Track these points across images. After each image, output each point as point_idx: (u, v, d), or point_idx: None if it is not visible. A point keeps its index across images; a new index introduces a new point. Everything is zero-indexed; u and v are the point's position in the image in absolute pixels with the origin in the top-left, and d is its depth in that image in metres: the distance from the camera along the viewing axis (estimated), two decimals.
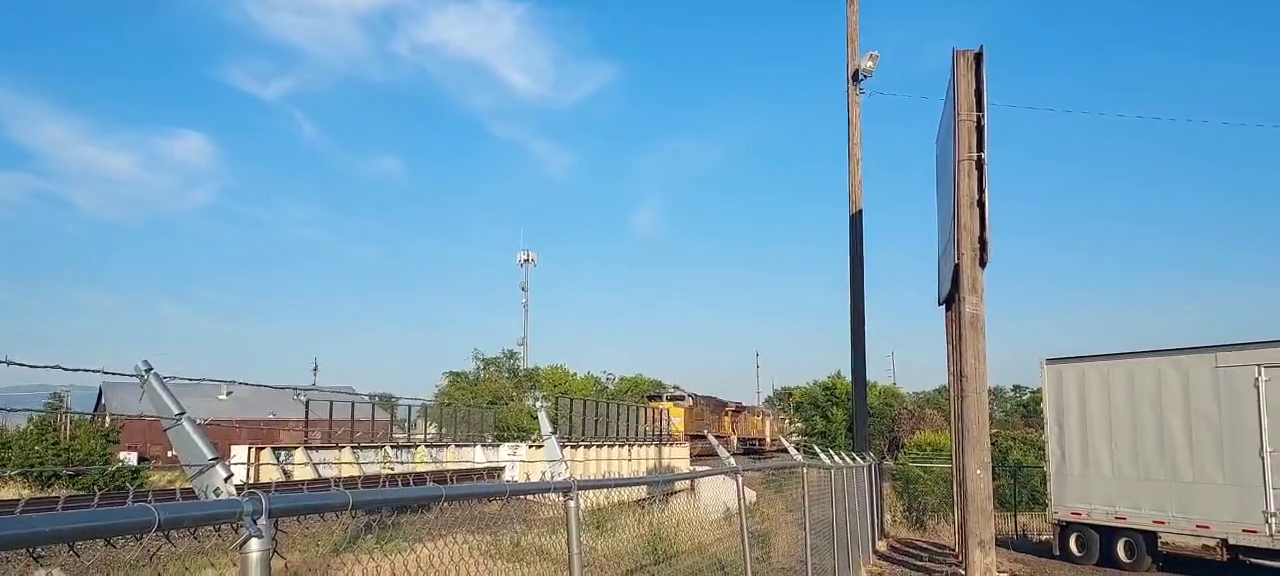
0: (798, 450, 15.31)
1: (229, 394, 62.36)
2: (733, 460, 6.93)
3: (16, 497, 21.72)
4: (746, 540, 6.35)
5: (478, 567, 7.83)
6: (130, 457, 44.95)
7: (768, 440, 61.36)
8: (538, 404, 17.06)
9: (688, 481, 24.02)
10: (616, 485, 5.08)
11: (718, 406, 54.77)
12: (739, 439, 51.68)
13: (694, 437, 46.20)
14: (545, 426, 11.98)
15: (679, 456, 38.10)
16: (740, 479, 6.66)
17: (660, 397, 49.91)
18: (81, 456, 30.93)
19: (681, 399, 49.42)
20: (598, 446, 32.40)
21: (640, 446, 36.71)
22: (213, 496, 2.59)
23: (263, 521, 2.28)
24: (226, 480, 2.60)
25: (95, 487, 26.25)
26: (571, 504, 3.85)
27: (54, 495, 21.90)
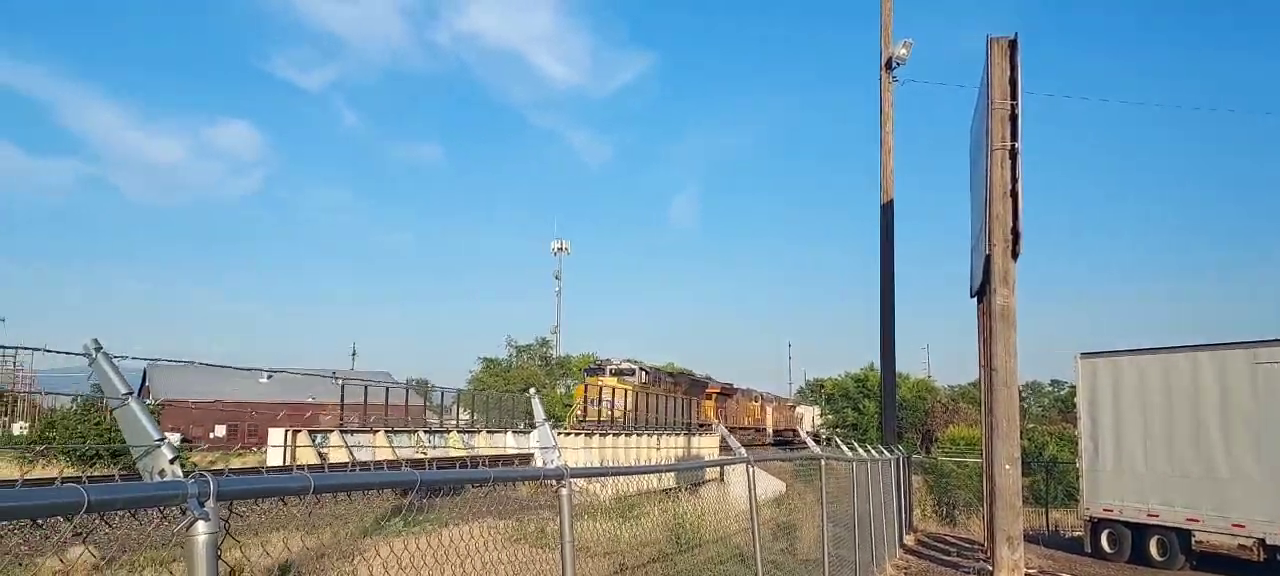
0: (819, 441, 15.28)
1: (270, 378, 63.14)
2: (743, 450, 6.95)
3: (56, 476, 22.21)
4: (757, 532, 6.38)
5: (498, 551, 7.95)
6: (173, 438, 45.75)
7: (769, 429, 53.97)
8: (532, 392, 17.16)
9: (717, 471, 24.09)
10: (611, 473, 5.13)
11: (695, 387, 46.24)
12: (730, 427, 43.92)
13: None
14: (538, 414, 12.07)
15: (709, 446, 37.96)
16: (752, 470, 6.68)
17: (601, 371, 39.77)
18: (122, 437, 31.54)
19: (629, 374, 39.09)
20: (626, 435, 32.49)
21: (671, 435, 36.76)
22: (158, 477, 2.51)
23: (211, 504, 2.13)
24: (172, 461, 2.57)
25: (130, 466, 26.79)
26: (563, 491, 3.90)
27: (98, 474, 22.40)
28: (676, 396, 42.16)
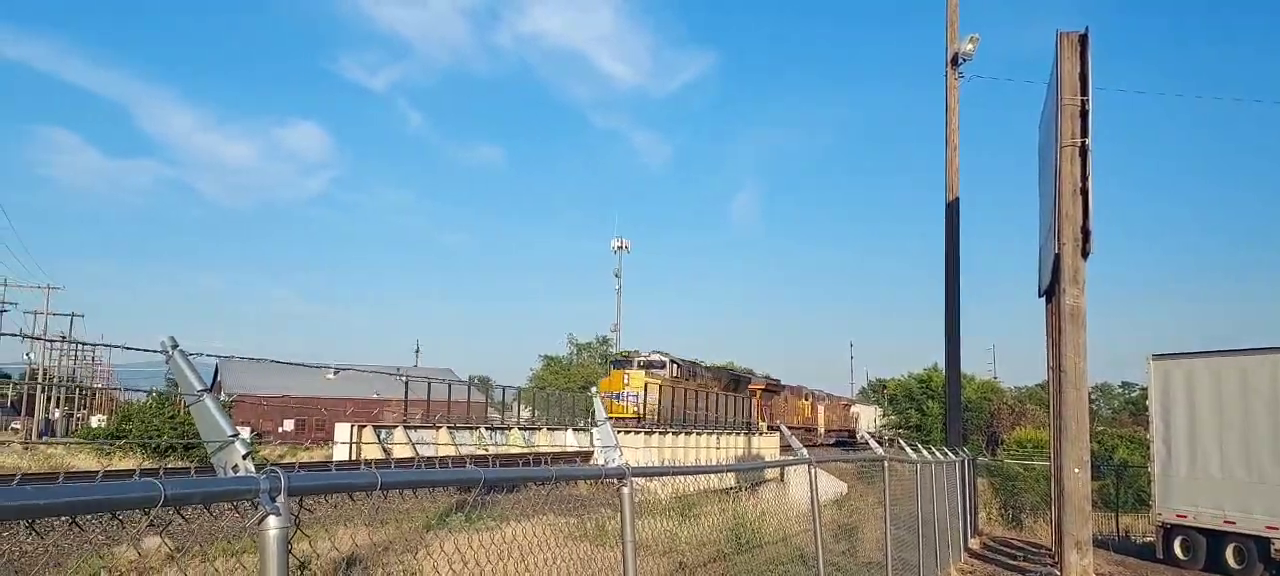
0: (881, 442, 15.08)
1: (336, 374, 64.32)
2: (805, 451, 6.91)
3: (134, 468, 22.93)
4: (819, 533, 6.34)
5: (558, 548, 8.01)
6: (244, 432, 46.95)
7: (820, 428, 51.28)
8: (593, 391, 17.04)
9: (777, 471, 23.95)
10: (672, 472, 5.12)
11: (735, 382, 44.15)
12: (770, 426, 41.54)
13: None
14: (599, 412, 11.98)
15: (768, 446, 37.70)
16: (813, 471, 6.63)
17: (628, 363, 37.19)
18: (195, 430, 32.47)
19: (659, 366, 36.26)
20: (685, 433, 32.49)
21: (729, 434, 36.65)
22: (231, 472, 2.56)
23: (282, 499, 2.15)
24: (245, 457, 2.61)
25: (206, 460, 27.56)
26: (625, 490, 3.91)
27: (172, 466, 23.09)
28: (715, 392, 39.65)
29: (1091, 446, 16.09)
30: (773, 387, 47.13)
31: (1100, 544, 20.90)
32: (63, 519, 2.03)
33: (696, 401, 36.79)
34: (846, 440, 53.23)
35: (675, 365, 37.12)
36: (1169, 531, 19.88)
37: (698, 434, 34.04)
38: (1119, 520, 28.77)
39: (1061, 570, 14.19)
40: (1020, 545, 22.76)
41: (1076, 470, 13.98)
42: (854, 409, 64.78)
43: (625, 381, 34.50)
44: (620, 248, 67.66)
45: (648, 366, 35.93)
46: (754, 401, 43.46)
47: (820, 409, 54.13)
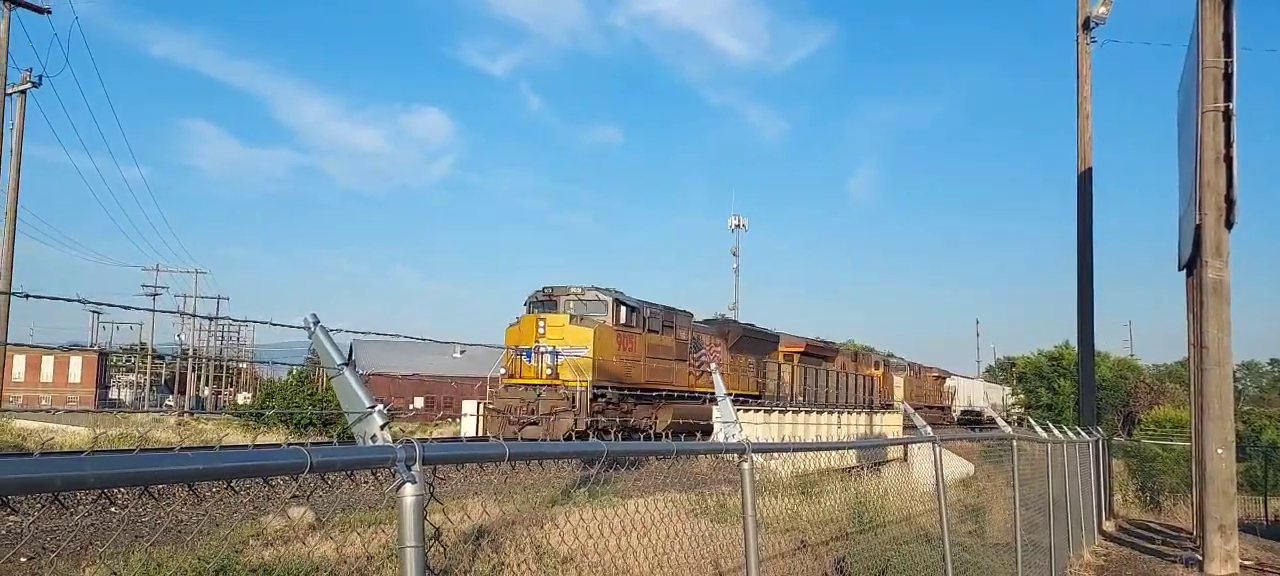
0: (1009, 421, 14.69)
1: (463, 353, 66.12)
2: (929, 430, 6.83)
3: (279, 442, 24.23)
4: (944, 514, 6.27)
5: (679, 523, 8.16)
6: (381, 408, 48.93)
7: (897, 403, 42.72)
8: (713, 367, 15.99)
9: (900, 450, 23.59)
10: (792, 449, 5.14)
11: (753, 343, 32.17)
12: (825, 400, 34.15)
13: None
14: (720, 388, 11.99)
15: (892, 424, 36.73)
16: (938, 449, 6.55)
17: (551, 304, 24.81)
18: (334, 406, 34.10)
19: (594, 310, 24.71)
20: (805, 411, 32.24)
21: (851, 413, 36.11)
22: (370, 442, 2.73)
23: (417, 468, 2.29)
24: (382, 427, 2.78)
25: (344, 433, 28.89)
26: (745, 466, 3.97)
27: (316, 440, 24.33)
28: (718, 351, 29.33)
29: (1236, 426, 15.35)
30: (817, 351, 37.70)
31: (1247, 528, 19.89)
32: (220, 483, 2.25)
33: (650, 364, 26.15)
34: (938, 421, 50.25)
35: (624, 306, 25.45)
36: None
37: (819, 412, 33.40)
38: (1268, 504, 27.30)
39: (1204, 555, 13.62)
40: (1158, 528, 21.85)
41: (1219, 451, 13.39)
42: (950, 382, 59.85)
43: (540, 330, 23.99)
44: (738, 225, 67.29)
45: (579, 317, 24.44)
46: (789, 368, 33.86)
47: (896, 379, 46.36)
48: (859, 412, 36.78)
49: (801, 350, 35.95)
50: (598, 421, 23.51)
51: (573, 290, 25.10)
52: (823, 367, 36.56)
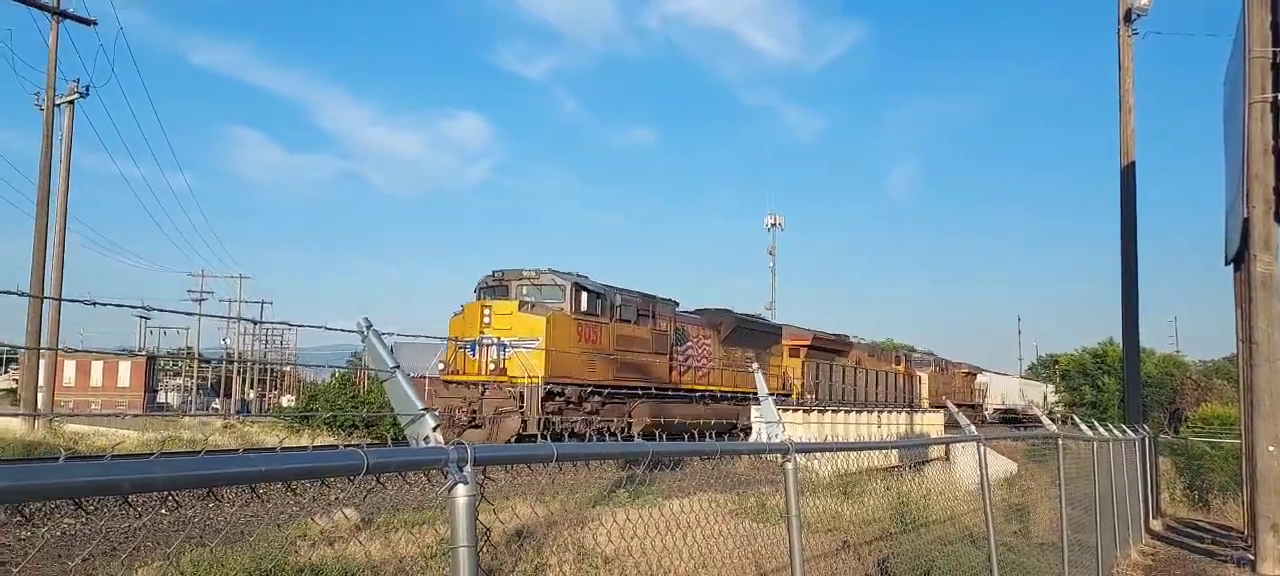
0: (1053, 419, 14.52)
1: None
2: (973, 428, 6.79)
3: (327, 444, 24.56)
4: (989, 513, 6.24)
5: (721, 523, 8.18)
6: None
7: (923, 401, 39.97)
8: (754, 367, 15.49)
9: (942, 449, 23.41)
10: (835, 448, 5.14)
11: (749, 334, 29.38)
12: (840, 398, 32.03)
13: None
14: (761, 388, 11.95)
15: (932, 423, 36.41)
16: (983, 448, 6.52)
17: (502, 290, 22.26)
18: (376, 408, 34.52)
19: (549, 296, 22.06)
20: (845, 411, 32.07)
21: (890, 413, 35.86)
22: (422, 444, 2.80)
23: (469, 469, 2.33)
24: (434, 429, 2.85)
25: (386, 435, 29.19)
26: (788, 466, 3.99)
27: (354, 443, 24.65)
28: (708, 341, 26.78)
29: None
30: (826, 345, 34.50)
31: None
32: (279, 484, 2.35)
33: (621, 358, 23.30)
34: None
35: (585, 292, 22.50)
36: None
37: (858, 412, 33.26)
38: None
39: (1256, 555, 13.39)
40: (1207, 527, 21.49)
41: (1270, 448, 13.15)
42: (981, 379, 57.58)
43: (485, 320, 21.43)
44: (774, 224, 67.06)
45: (529, 304, 21.62)
46: (796, 363, 31.37)
47: (921, 376, 43.02)
48: (900, 411, 36.61)
49: (808, 344, 33.15)
50: (551, 423, 20.64)
51: (526, 273, 22.27)
52: (835, 363, 34.29)
